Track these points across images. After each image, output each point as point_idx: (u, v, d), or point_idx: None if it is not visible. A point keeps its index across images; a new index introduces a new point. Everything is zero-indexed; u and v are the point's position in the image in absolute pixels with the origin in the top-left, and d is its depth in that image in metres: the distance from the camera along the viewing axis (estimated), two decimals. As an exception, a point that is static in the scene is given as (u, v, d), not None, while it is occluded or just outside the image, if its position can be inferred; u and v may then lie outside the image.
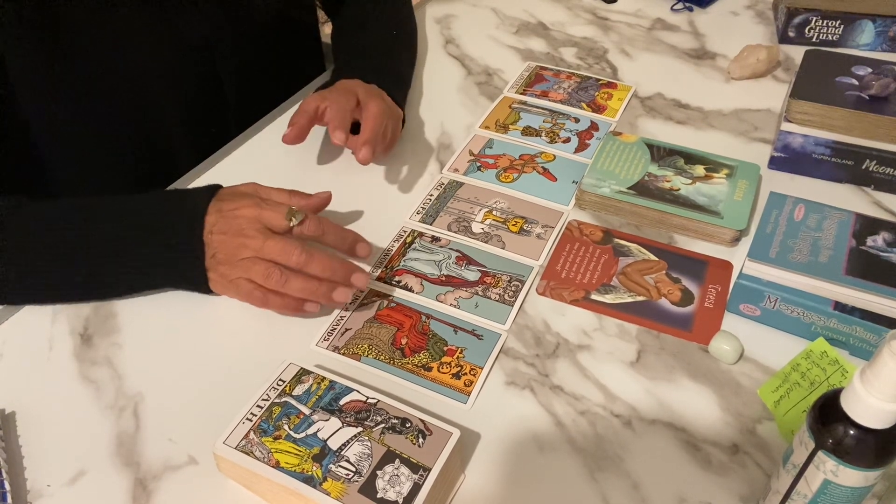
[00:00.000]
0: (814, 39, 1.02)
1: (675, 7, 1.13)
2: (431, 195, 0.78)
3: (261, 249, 0.61)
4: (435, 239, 0.73)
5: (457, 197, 0.78)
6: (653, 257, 0.71)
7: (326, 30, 1.01)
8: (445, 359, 0.62)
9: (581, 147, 0.85)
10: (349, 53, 0.90)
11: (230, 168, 0.82)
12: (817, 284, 0.61)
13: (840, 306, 0.61)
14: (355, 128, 0.77)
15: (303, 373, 0.56)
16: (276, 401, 0.54)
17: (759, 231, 0.66)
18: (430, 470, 0.49)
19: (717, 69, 0.99)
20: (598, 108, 0.91)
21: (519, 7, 1.15)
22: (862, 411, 0.40)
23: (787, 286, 0.62)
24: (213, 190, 0.65)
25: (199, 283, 0.64)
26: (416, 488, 0.48)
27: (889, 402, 0.39)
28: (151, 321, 0.65)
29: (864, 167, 0.78)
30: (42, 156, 0.75)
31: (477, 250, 0.72)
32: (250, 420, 0.53)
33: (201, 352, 0.63)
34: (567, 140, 0.86)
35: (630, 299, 0.67)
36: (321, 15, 1.02)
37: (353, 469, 0.49)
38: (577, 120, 0.89)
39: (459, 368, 0.61)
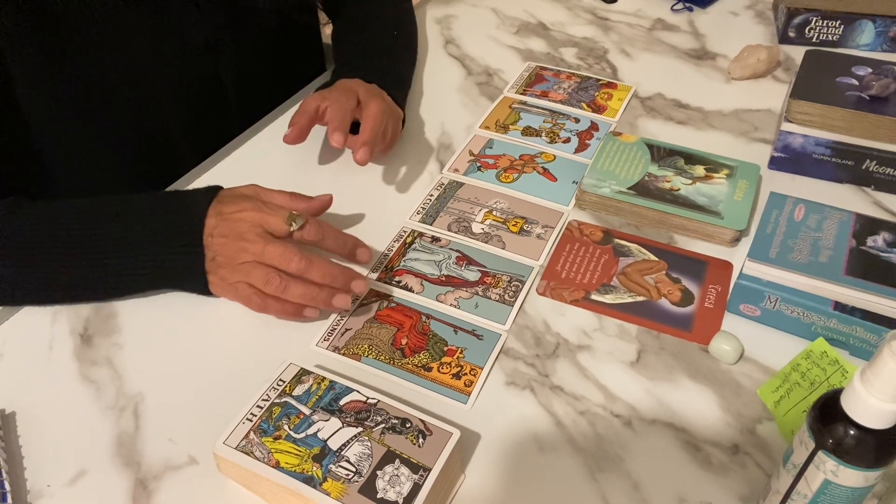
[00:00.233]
0: (814, 39, 1.02)
1: (675, 7, 1.13)
2: (431, 195, 0.78)
3: (261, 254, 0.61)
4: (435, 239, 0.73)
5: (457, 197, 0.78)
6: (653, 257, 0.71)
7: (327, 30, 1.01)
8: (445, 359, 0.62)
9: (581, 147, 0.85)
10: (349, 53, 0.90)
11: (231, 168, 0.82)
12: (817, 284, 0.61)
13: (840, 306, 0.61)
14: (355, 127, 0.77)
15: (303, 373, 0.56)
16: (276, 401, 0.54)
17: (759, 231, 0.66)
18: (430, 470, 0.49)
19: (718, 69, 0.99)
20: (599, 109, 0.91)
21: (519, 7, 1.15)
22: (862, 411, 0.40)
23: (788, 286, 0.62)
24: (214, 191, 0.65)
25: (198, 285, 0.64)
26: (416, 488, 0.48)
27: (889, 402, 0.39)
28: (151, 321, 0.65)
29: (864, 167, 0.78)
30: (43, 156, 0.75)
31: (477, 250, 0.72)
32: (250, 420, 0.53)
33: (201, 352, 0.63)
34: (567, 140, 0.86)
35: (630, 299, 0.67)
36: (322, 17, 1.02)
37: (353, 469, 0.49)
38: (577, 120, 0.89)
39: (459, 368, 0.61)
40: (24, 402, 0.59)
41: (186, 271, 0.63)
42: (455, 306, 0.66)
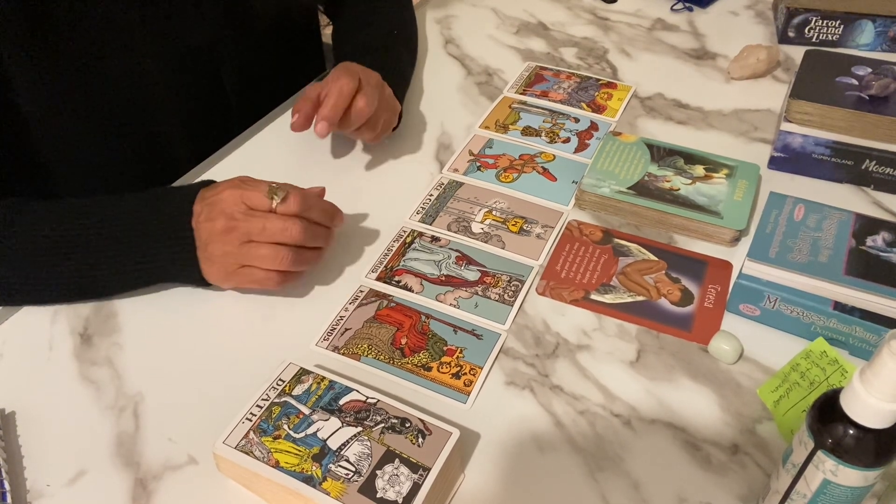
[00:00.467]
0: (814, 39, 1.02)
1: (675, 7, 1.13)
2: (431, 195, 0.78)
3: (261, 233, 0.61)
4: (435, 239, 0.73)
5: (457, 197, 0.78)
6: (652, 257, 0.71)
7: (327, 31, 1.01)
8: (445, 359, 0.62)
9: (581, 147, 0.85)
10: (350, 52, 0.90)
11: (230, 168, 0.82)
12: (817, 284, 0.61)
13: (840, 306, 0.61)
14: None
15: (302, 372, 0.56)
16: (276, 400, 0.54)
17: (758, 231, 0.66)
18: (429, 470, 0.49)
19: (717, 69, 0.99)
20: (598, 108, 0.91)
21: (519, 7, 1.15)
22: (861, 411, 0.40)
23: (787, 286, 0.62)
24: (203, 183, 0.66)
25: (193, 271, 0.64)
26: (415, 488, 0.48)
27: (889, 402, 0.39)
28: (151, 321, 0.65)
29: (863, 167, 0.78)
30: (42, 156, 0.75)
31: (477, 250, 0.72)
32: (250, 420, 0.53)
33: (201, 351, 0.63)
34: (567, 140, 0.86)
35: (630, 299, 0.67)
36: (322, 18, 1.02)
37: (353, 469, 0.49)
38: (576, 120, 0.89)
39: (459, 368, 0.61)
40: (24, 402, 0.59)
41: (179, 261, 0.63)
42: (455, 306, 0.66)
